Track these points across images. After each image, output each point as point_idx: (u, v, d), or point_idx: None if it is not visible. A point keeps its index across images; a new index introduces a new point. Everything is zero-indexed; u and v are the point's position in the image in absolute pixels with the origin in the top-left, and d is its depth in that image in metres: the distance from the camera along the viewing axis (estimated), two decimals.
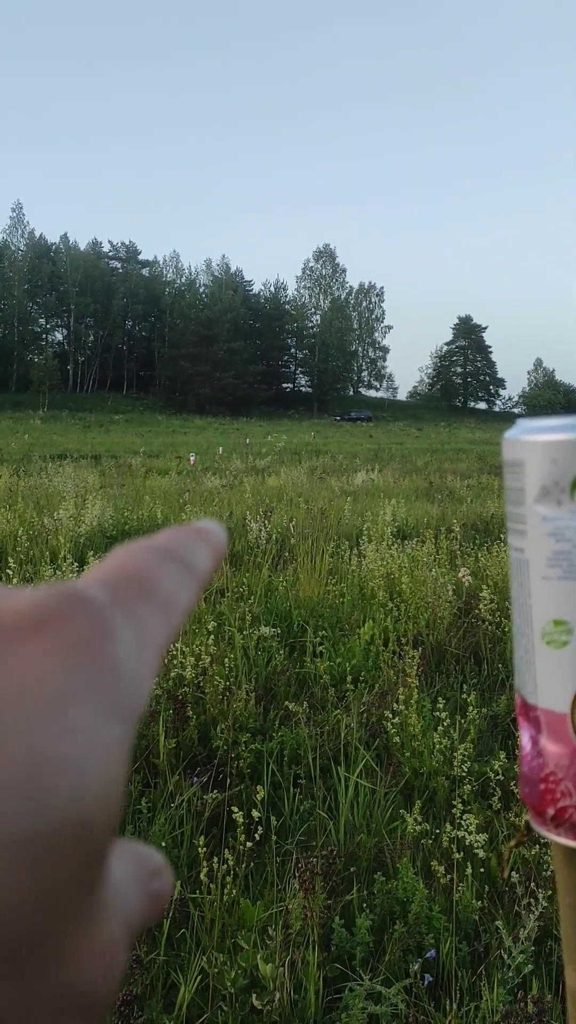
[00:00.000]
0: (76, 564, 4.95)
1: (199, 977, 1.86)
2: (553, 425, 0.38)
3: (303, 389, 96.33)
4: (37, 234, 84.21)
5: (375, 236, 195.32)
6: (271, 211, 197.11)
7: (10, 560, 5.14)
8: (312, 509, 8.46)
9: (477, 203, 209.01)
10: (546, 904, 2.03)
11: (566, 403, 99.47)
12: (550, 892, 2.09)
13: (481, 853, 2.26)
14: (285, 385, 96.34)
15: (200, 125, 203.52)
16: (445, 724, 2.97)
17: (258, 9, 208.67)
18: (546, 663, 0.39)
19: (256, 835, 2.22)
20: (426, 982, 1.82)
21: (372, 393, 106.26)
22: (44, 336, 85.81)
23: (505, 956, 1.91)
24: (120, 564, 0.22)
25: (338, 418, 74.16)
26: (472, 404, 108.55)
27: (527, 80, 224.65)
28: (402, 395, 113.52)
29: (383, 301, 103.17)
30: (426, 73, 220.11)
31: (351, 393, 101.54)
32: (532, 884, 2.09)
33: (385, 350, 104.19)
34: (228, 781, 2.82)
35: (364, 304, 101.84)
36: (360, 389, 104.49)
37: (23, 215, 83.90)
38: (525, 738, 0.40)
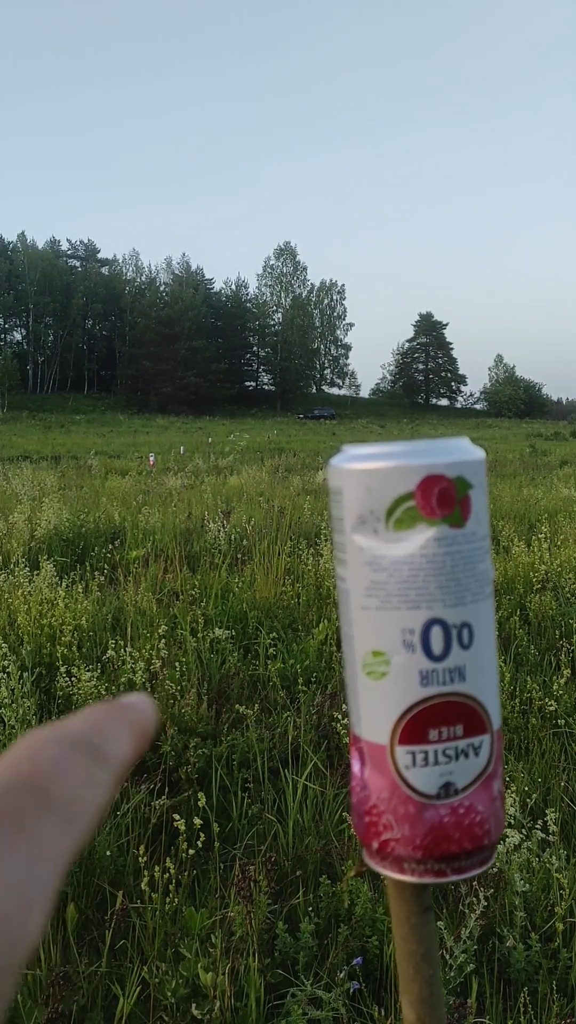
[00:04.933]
0: (29, 570, 4.89)
1: (139, 988, 1.84)
2: (370, 453, 0.38)
3: (266, 387, 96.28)
4: None
5: (336, 234, 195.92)
6: (231, 209, 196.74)
7: None
8: (272, 508, 8.45)
9: (438, 200, 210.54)
10: (487, 903, 2.04)
11: (527, 399, 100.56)
12: (492, 891, 2.10)
13: None
14: (248, 383, 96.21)
15: (157, 123, 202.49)
16: None
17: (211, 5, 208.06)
18: (367, 694, 0.38)
19: (199, 842, 2.21)
20: (353, 989, 1.82)
21: (335, 391, 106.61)
22: (2, 336, 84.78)
23: (447, 956, 1.92)
24: (16, 764, 0.20)
25: (301, 416, 74.27)
26: (434, 401, 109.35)
27: (486, 80, 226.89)
28: (365, 392, 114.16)
29: (344, 299, 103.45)
30: (386, 70, 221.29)
31: (314, 391, 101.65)
32: (475, 883, 2.10)
33: (347, 347, 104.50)
34: (178, 787, 2.80)
35: (326, 302, 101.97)
36: (323, 387, 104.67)
37: None
38: (355, 769, 0.40)
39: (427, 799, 0.37)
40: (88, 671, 3.29)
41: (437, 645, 0.36)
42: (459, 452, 0.37)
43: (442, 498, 0.36)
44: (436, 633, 0.36)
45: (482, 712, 0.37)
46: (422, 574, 0.36)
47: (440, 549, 0.36)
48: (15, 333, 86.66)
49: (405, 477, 0.36)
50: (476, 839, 0.37)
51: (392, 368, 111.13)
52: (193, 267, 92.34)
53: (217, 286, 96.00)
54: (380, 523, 0.37)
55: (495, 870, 2.19)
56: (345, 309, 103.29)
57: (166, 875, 2.10)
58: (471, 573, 0.37)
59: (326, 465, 0.40)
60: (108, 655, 3.56)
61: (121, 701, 0.26)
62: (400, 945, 0.40)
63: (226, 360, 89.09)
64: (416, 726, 0.37)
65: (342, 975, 1.84)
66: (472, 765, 0.37)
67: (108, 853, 2.34)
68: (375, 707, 0.38)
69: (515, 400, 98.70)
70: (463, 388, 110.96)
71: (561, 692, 3.39)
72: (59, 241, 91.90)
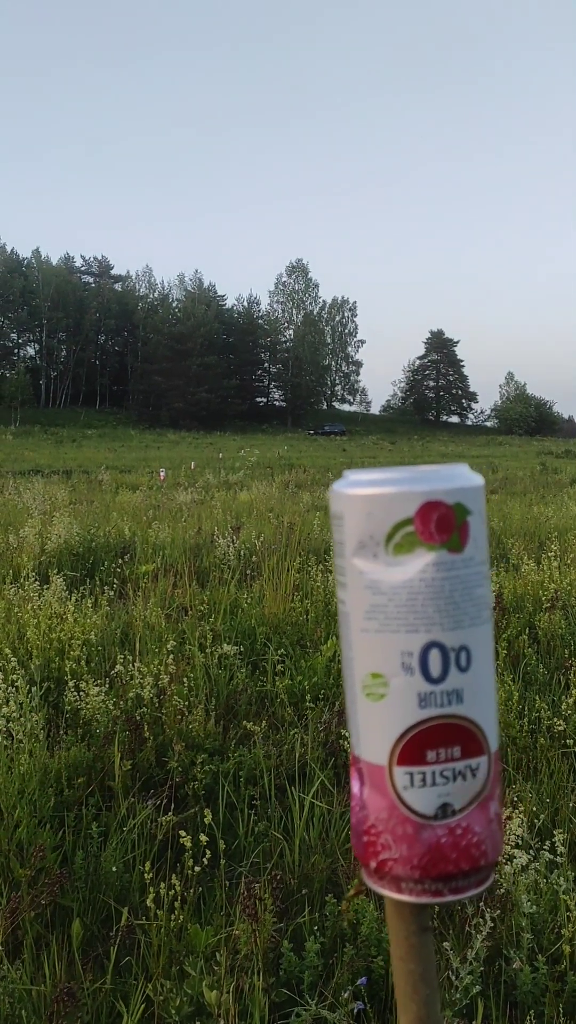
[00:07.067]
0: (38, 584, 4.91)
1: (143, 1006, 1.84)
2: (370, 479, 0.38)
3: (277, 403, 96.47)
4: (8, 248, 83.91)
5: (348, 251, 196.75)
6: (244, 225, 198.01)
7: None
8: (281, 524, 8.46)
9: (449, 216, 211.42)
10: (494, 924, 2.03)
11: (538, 416, 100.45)
12: (498, 912, 2.09)
13: None
14: (259, 399, 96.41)
15: (171, 140, 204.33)
16: None
17: (227, 11, 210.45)
18: (366, 716, 0.39)
19: (204, 859, 2.20)
20: (358, 1009, 1.81)
21: (346, 407, 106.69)
22: (16, 351, 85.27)
23: (453, 977, 1.91)
24: None
25: (312, 432, 74.39)
26: (445, 418, 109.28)
27: (496, 90, 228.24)
28: (375, 409, 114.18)
29: (356, 316, 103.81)
30: (397, 82, 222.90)
31: (325, 407, 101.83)
32: (482, 904, 2.09)
33: (358, 364, 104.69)
34: (185, 803, 2.80)
35: (337, 318, 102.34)
36: (334, 403, 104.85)
37: None
38: (354, 789, 0.40)
39: (425, 819, 0.37)
40: (96, 686, 3.30)
41: (435, 668, 0.37)
42: (458, 479, 0.38)
43: (441, 524, 0.37)
44: (434, 656, 0.37)
45: (480, 734, 0.38)
46: (421, 598, 0.37)
47: (439, 574, 0.37)
48: (29, 348, 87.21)
49: (405, 503, 0.37)
50: (473, 860, 0.38)
51: (403, 385, 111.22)
52: (205, 284, 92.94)
53: (229, 303, 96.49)
54: (380, 547, 0.38)
55: (502, 891, 2.18)
56: (356, 326, 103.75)
57: (172, 892, 2.09)
58: (469, 597, 0.37)
59: (328, 490, 0.41)
60: (116, 670, 3.57)
61: None
62: (398, 965, 0.41)
63: (237, 376, 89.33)
64: (414, 747, 0.37)
65: (346, 995, 1.83)
66: (469, 786, 0.38)
67: (114, 869, 2.33)
68: (374, 728, 0.38)
69: (526, 418, 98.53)
70: (474, 405, 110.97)
71: (570, 712, 3.37)
72: (73, 257, 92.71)
